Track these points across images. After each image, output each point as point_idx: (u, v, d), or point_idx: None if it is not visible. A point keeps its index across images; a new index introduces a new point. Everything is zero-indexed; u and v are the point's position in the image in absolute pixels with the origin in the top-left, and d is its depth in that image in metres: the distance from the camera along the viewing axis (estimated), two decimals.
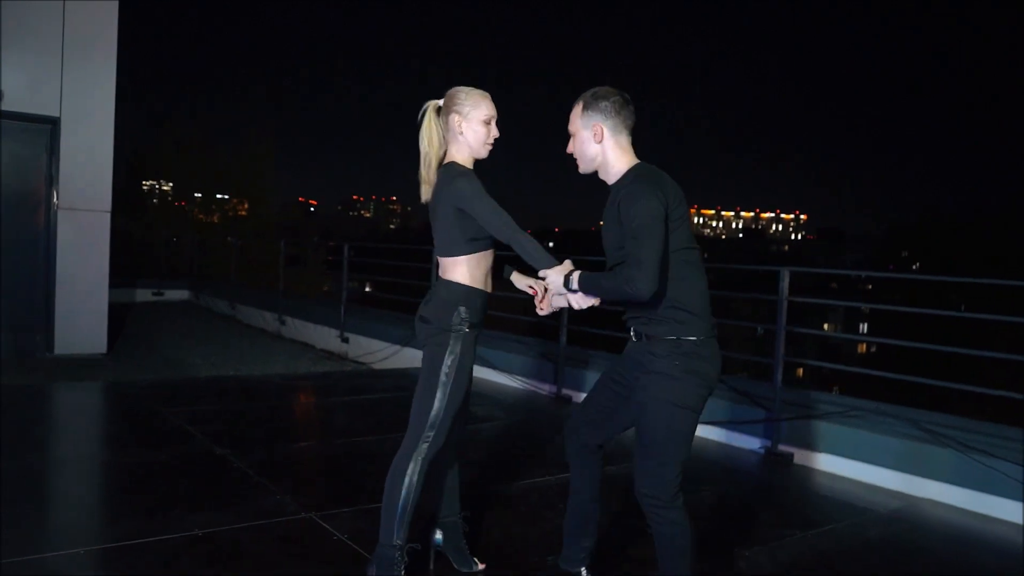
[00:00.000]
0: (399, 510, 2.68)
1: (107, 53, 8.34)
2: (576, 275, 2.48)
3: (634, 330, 2.57)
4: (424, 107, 2.82)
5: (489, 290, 2.78)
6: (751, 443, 5.14)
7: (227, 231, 24.42)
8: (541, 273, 2.59)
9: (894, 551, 3.54)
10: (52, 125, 8.22)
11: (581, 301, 2.50)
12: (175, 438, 4.77)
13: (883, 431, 4.62)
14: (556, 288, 2.54)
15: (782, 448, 4.96)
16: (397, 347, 8.67)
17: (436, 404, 2.69)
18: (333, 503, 3.67)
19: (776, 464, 4.89)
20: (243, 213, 26.78)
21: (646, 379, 2.46)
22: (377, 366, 8.69)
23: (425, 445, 2.71)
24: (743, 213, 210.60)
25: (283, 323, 11.16)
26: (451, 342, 2.67)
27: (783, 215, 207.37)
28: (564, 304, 2.58)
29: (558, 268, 2.53)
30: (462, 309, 2.67)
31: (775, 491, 4.44)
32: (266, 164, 25.17)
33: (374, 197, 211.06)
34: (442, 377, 2.68)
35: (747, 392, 5.39)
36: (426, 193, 2.79)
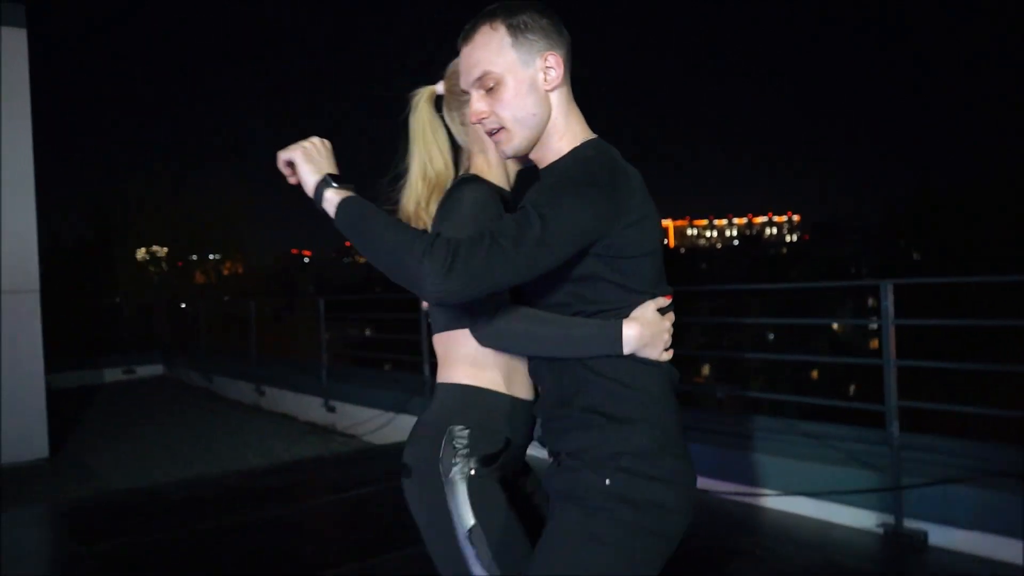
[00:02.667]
0: None
1: (21, 100, 7.12)
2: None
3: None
4: (413, 98, 1.60)
5: (526, 396, 1.56)
6: (865, 520, 3.80)
7: (220, 291, 23.17)
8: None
9: None
10: None
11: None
12: None
13: None
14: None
15: (909, 525, 3.64)
16: (391, 414, 7.34)
17: None
18: None
19: (904, 548, 3.57)
20: (239, 271, 25.59)
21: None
22: (368, 438, 7.37)
23: None
24: (736, 220, 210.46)
25: (261, 393, 9.84)
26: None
27: (775, 218, 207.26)
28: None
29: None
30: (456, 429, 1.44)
31: None
32: (241, 218, 23.98)
33: None
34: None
35: (852, 448, 4.08)
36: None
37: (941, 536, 3.57)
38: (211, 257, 25.47)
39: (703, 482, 4.41)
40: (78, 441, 8.04)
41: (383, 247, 1.30)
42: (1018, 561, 3.31)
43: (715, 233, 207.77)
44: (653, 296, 1.40)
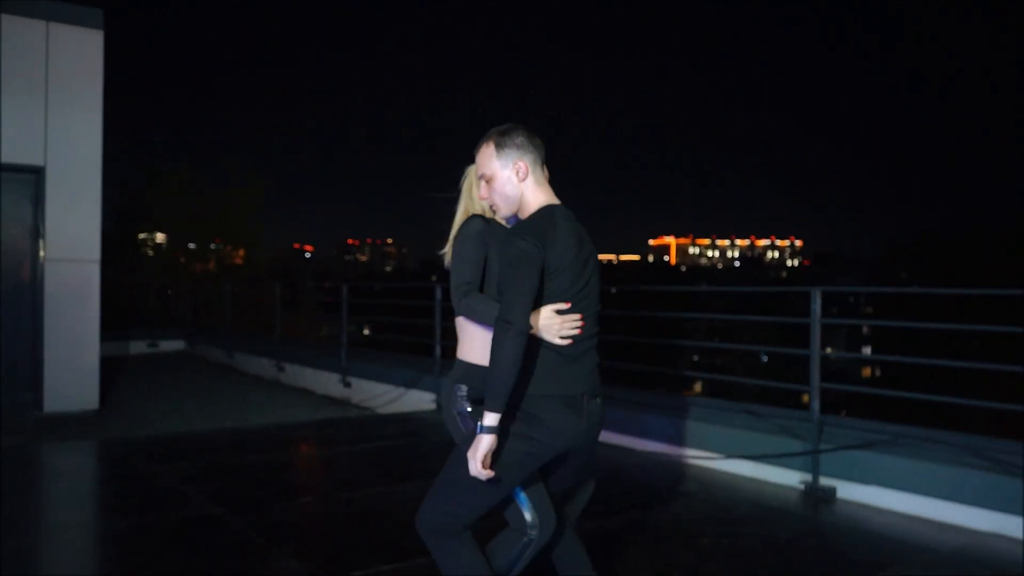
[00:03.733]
0: None
1: (93, 94, 8.09)
2: None
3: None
4: (468, 171, 2.66)
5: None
6: (789, 478, 4.77)
7: (222, 279, 24.11)
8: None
9: None
10: (37, 174, 7.94)
11: None
12: (169, 500, 4.40)
13: (936, 459, 4.26)
14: None
15: (824, 482, 4.60)
16: (402, 390, 8.31)
17: None
18: (344, 567, 3.31)
19: (818, 501, 4.53)
20: (239, 261, 26.51)
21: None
22: (381, 411, 8.32)
23: None
24: (738, 242, 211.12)
25: (281, 370, 10.80)
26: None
27: (778, 242, 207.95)
28: None
29: None
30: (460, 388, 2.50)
31: (825, 532, 4.08)
32: (257, 208, 24.95)
33: (369, 240, 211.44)
34: None
35: (784, 423, 5.05)
36: None
37: (847, 491, 4.53)
38: (212, 247, 26.37)
39: (666, 447, 5.41)
40: (118, 399, 8.99)
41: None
42: (906, 510, 4.26)
43: (717, 253, 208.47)
44: (564, 300, 2.31)
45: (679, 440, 5.37)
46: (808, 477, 4.66)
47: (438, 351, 8.01)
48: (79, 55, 8.01)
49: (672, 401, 6.11)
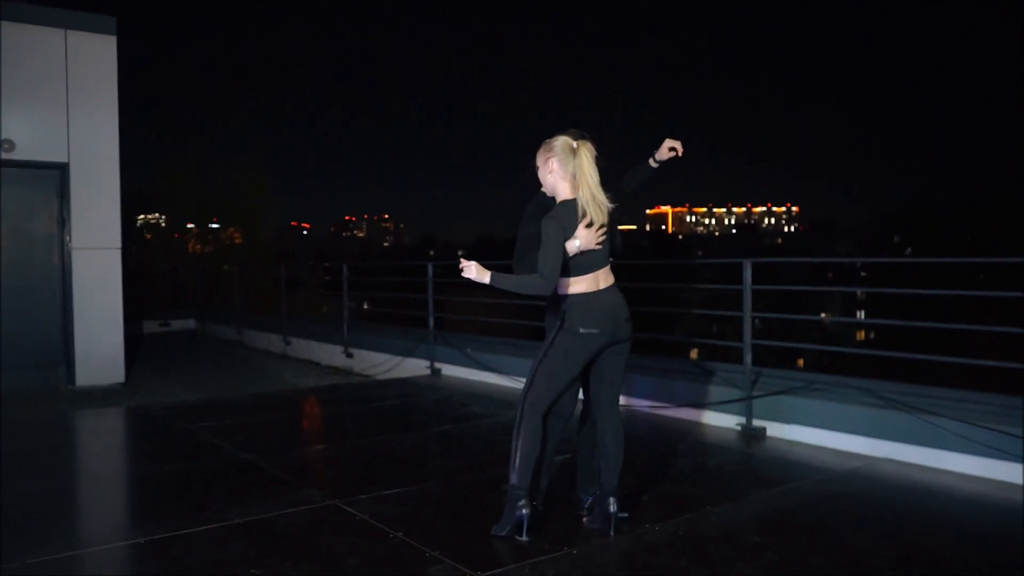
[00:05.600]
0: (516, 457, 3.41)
1: (109, 94, 8.87)
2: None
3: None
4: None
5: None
6: (728, 422, 5.63)
7: (223, 260, 24.86)
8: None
9: (849, 501, 4.03)
10: (61, 170, 8.72)
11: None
12: (205, 449, 5.25)
13: (845, 400, 5.12)
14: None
15: (756, 423, 5.46)
16: (399, 358, 9.16)
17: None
18: (353, 492, 4.15)
19: (751, 438, 5.39)
20: (238, 240, 27.20)
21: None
22: (381, 377, 9.17)
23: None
24: (735, 209, 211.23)
25: (288, 343, 11.65)
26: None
27: (775, 208, 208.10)
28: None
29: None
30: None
31: (747, 459, 4.94)
32: (261, 191, 25.64)
33: (366, 216, 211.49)
34: None
35: (724, 376, 5.90)
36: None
37: (776, 430, 5.39)
38: (211, 226, 27.03)
39: (624, 400, 6.25)
40: (139, 375, 9.83)
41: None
42: (820, 443, 5.12)
43: (713, 221, 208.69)
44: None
45: (636, 393, 6.23)
46: (743, 420, 5.51)
47: (431, 322, 8.84)
48: (95, 59, 8.77)
49: (635, 360, 6.97)
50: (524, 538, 3.34)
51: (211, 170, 25.72)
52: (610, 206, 3.43)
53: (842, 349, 5.20)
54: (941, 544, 3.43)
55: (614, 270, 3.52)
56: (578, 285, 3.39)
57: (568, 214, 3.35)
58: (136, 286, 17.73)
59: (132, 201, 24.27)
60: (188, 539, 3.50)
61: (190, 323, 15.60)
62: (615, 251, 3.57)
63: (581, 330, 3.34)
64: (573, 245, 3.33)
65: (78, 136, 8.67)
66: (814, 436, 5.18)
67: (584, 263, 3.38)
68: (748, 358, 5.55)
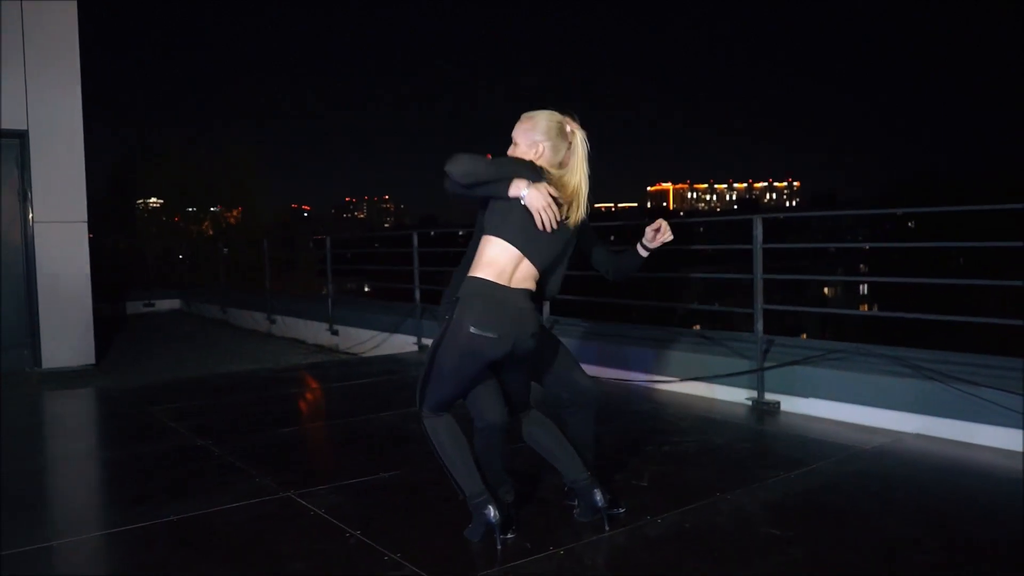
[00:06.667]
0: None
1: (70, 59, 8.26)
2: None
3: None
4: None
5: None
6: (737, 396, 5.10)
7: (221, 240, 24.30)
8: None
9: (878, 483, 3.51)
10: (20, 139, 8.15)
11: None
12: (159, 434, 4.74)
13: (865, 370, 4.59)
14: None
15: (768, 397, 4.93)
16: (386, 335, 8.65)
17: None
18: (312, 481, 3.64)
19: (763, 413, 4.86)
20: (232, 221, 26.68)
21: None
22: (367, 355, 8.66)
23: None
24: (736, 185, 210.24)
25: (273, 322, 11.13)
26: None
27: (776, 184, 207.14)
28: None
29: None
30: None
31: (760, 437, 4.42)
32: (249, 168, 25.07)
33: (367, 198, 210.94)
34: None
35: (732, 345, 5.37)
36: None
37: (790, 404, 4.87)
38: (212, 209, 26.53)
39: (625, 374, 5.73)
40: (115, 356, 9.33)
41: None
42: (841, 417, 4.60)
43: (715, 197, 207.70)
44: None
45: (638, 366, 5.70)
46: (754, 393, 4.98)
47: (418, 295, 8.31)
48: (54, 24, 8.17)
49: (633, 331, 6.43)
50: (503, 537, 2.82)
51: (202, 149, 25.18)
52: (584, 216, 2.83)
53: (865, 313, 4.60)
54: (988, 530, 2.91)
55: (540, 295, 2.87)
56: (487, 268, 2.69)
57: (540, 175, 2.73)
58: (124, 268, 17.27)
59: (121, 180, 23.77)
60: (110, 540, 3.00)
61: (176, 303, 15.07)
62: (551, 275, 2.88)
63: (472, 330, 2.63)
64: (519, 188, 2.66)
65: (37, 102, 8.06)
66: (834, 410, 4.65)
67: (512, 233, 2.68)
68: (759, 324, 5.00)
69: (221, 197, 25.57)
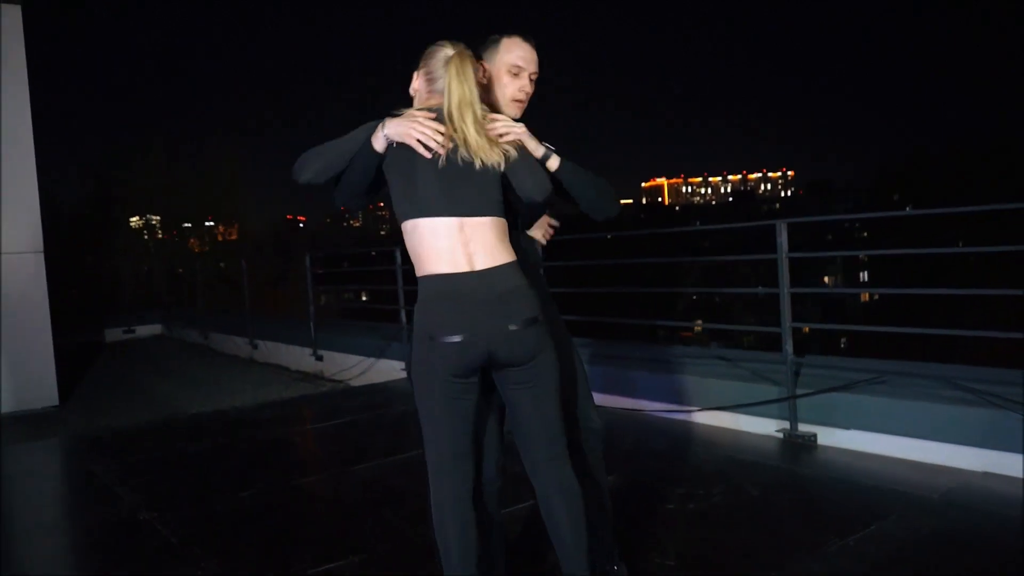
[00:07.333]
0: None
1: (16, 70, 7.62)
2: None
3: None
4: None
5: None
6: (766, 427, 4.44)
7: (215, 257, 23.67)
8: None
9: (958, 546, 2.86)
10: None
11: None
12: (98, 502, 4.08)
13: (913, 396, 3.94)
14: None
15: (803, 429, 4.28)
16: (372, 360, 7.98)
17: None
18: (263, 565, 2.98)
19: (798, 449, 4.20)
20: (219, 237, 26.09)
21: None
22: (353, 382, 8.00)
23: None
24: (730, 177, 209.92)
25: (255, 347, 10.46)
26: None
27: (770, 174, 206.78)
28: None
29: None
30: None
31: (801, 484, 3.75)
32: (233, 182, 24.42)
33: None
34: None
35: (757, 367, 4.71)
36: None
37: (828, 436, 4.21)
38: (207, 224, 25.95)
39: (633, 402, 5.07)
40: (84, 392, 8.67)
41: (597, 185, 2.30)
42: (891, 453, 3.94)
43: (709, 190, 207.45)
44: None
45: (648, 394, 5.03)
46: (786, 424, 4.33)
47: (403, 316, 7.65)
48: None
49: (639, 351, 5.76)
50: None
51: (185, 166, 24.54)
52: (509, 148, 2.12)
53: (919, 331, 3.88)
54: None
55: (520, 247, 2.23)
56: (424, 263, 2.06)
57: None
58: (103, 291, 16.61)
59: (108, 203, 23.11)
60: None
61: (157, 328, 14.38)
62: (519, 202, 2.18)
63: (430, 337, 2.04)
64: (377, 133, 2.06)
65: None
66: (879, 444, 3.99)
67: (417, 199, 2.05)
68: (788, 345, 4.33)
69: (206, 212, 24.95)
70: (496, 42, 2.34)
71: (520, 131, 2.16)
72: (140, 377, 9.63)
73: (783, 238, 4.28)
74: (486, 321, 2.01)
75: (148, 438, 5.64)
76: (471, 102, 2.07)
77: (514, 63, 2.31)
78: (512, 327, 2.03)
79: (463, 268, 2.03)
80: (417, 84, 2.22)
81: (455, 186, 2.04)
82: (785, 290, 4.31)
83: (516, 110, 2.33)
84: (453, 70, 2.08)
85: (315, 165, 2.07)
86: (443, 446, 2.10)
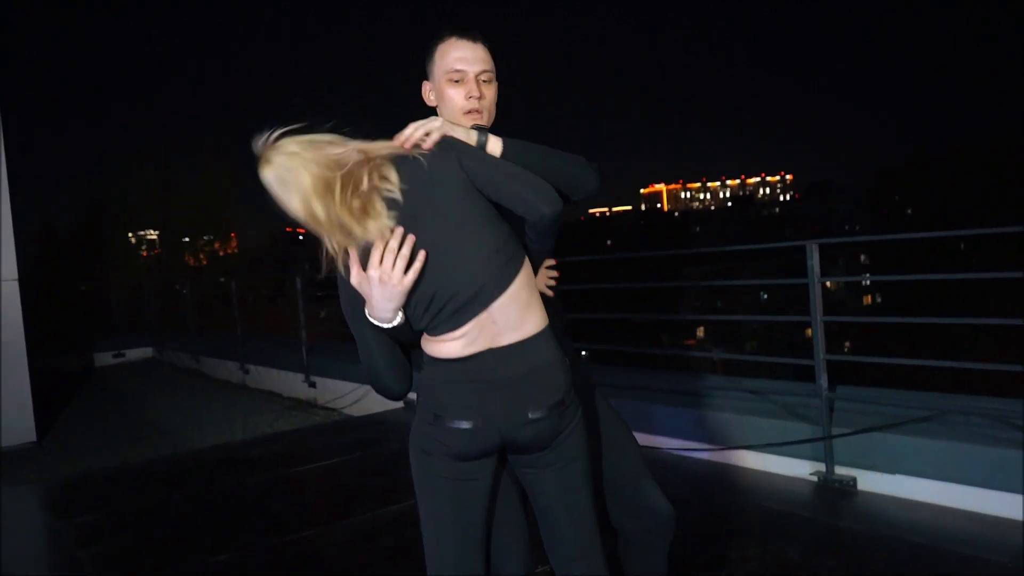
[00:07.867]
0: None
1: None
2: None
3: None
4: None
5: None
6: (798, 468, 4.01)
7: (213, 272, 23.26)
8: None
9: None
10: None
11: None
12: (54, 568, 3.65)
13: (963, 436, 3.50)
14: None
15: (840, 472, 3.84)
16: (367, 387, 7.53)
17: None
18: None
19: (835, 496, 3.77)
20: (230, 251, 25.74)
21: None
22: (348, 410, 7.58)
23: None
24: (729, 182, 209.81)
25: (247, 372, 10.03)
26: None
27: (768, 178, 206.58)
28: None
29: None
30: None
31: (846, 542, 3.31)
32: (226, 197, 24.06)
33: None
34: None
35: (787, 401, 4.28)
36: None
37: (869, 481, 3.78)
38: (204, 238, 25.59)
39: (653, 439, 4.63)
40: (67, 424, 8.25)
41: (562, 158, 1.74)
42: (942, 502, 3.51)
43: (708, 195, 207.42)
44: None
45: (669, 430, 4.59)
46: (821, 467, 3.90)
47: None
48: None
49: (659, 381, 5.31)
50: None
51: (180, 182, 24.17)
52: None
53: (962, 364, 3.47)
54: None
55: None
56: (436, 346, 1.66)
57: None
58: (92, 313, 16.19)
59: (94, 220, 22.74)
60: None
61: (148, 351, 13.94)
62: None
63: (435, 415, 1.67)
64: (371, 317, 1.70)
65: None
66: (927, 491, 3.55)
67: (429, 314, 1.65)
68: (823, 379, 3.90)
69: (203, 226, 24.59)
70: (431, 51, 1.89)
71: (436, 124, 1.68)
72: (126, 407, 9.20)
73: (815, 260, 3.85)
74: (502, 408, 1.61)
75: (123, 485, 5.21)
76: (318, 192, 1.60)
77: (451, 68, 1.84)
78: (533, 415, 1.62)
79: (482, 348, 1.62)
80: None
81: (455, 270, 1.61)
82: (818, 318, 3.88)
83: (472, 123, 1.85)
84: (273, 187, 1.63)
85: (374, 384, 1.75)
86: (445, 540, 1.70)
